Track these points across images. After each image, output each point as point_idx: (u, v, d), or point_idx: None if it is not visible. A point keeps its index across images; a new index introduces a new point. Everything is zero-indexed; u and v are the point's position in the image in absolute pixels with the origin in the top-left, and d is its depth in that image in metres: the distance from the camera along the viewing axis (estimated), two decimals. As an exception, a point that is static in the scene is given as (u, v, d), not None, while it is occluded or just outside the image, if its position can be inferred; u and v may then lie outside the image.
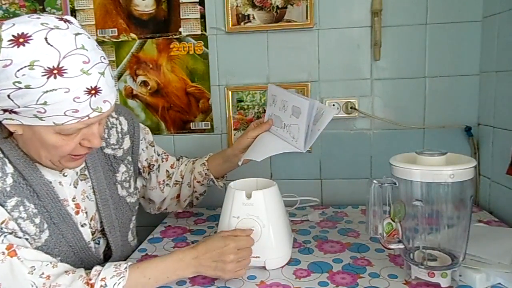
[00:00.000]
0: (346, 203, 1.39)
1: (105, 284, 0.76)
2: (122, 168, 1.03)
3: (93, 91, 0.71)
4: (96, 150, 0.94)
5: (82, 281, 0.77)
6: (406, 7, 1.29)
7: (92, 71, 0.70)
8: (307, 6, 1.31)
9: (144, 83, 1.43)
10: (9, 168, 0.80)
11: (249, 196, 0.92)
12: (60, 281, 0.76)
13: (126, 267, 0.80)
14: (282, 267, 0.94)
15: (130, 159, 1.06)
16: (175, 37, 1.39)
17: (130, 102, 1.45)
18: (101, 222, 0.96)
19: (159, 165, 1.16)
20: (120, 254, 1.02)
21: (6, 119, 0.74)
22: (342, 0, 1.31)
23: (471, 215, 0.81)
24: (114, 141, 1.01)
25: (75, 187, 0.92)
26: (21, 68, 0.66)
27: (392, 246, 0.84)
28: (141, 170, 1.13)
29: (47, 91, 0.67)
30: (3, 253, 0.75)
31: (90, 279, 0.77)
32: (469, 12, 1.27)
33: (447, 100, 1.32)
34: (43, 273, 0.77)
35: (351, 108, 1.35)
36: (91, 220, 0.94)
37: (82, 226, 0.91)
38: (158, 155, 1.17)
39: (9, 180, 0.79)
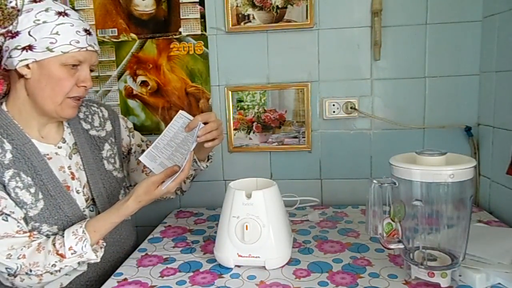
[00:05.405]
0: (346, 203, 1.39)
1: (74, 251, 0.89)
2: (107, 147, 1.14)
3: (88, 32, 0.96)
4: (82, 131, 1.09)
5: (53, 254, 0.88)
6: (406, 7, 1.29)
7: (85, 22, 0.98)
8: (307, 6, 1.31)
9: (144, 83, 1.43)
10: (7, 146, 0.92)
11: (249, 196, 0.93)
12: (36, 258, 0.88)
13: (83, 230, 0.91)
14: (282, 267, 0.94)
15: (113, 140, 1.16)
16: (175, 37, 1.39)
17: (130, 102, 1.45)
18: (92, 192, 1.06)
19: (143, 150, 1.21)
20: None
21: (21, 60, 0.91)
22: (342, 0, 1.31)
23: (471, 215, 0.81)
24: (97, 124, 1.14)
25: (70, 158, 1.04)
26: (39, 12, 0.91)
27: (392, 246, 0.84)
28: (125, 153, 1.20)
29: (59, 24, 0.92)
30: None
31: (58, 251, 0.89)
32: (469, 12, 1.27)
33: (447, 100, 1.32)
34: (20, 255, 0.88)
35: (351, 108, 1.35)
36: (83, 187, 1.04)
37: (77, 192, 1.02)
38: (143, 141, 1.26)
39: (9, 155, 0.92)
